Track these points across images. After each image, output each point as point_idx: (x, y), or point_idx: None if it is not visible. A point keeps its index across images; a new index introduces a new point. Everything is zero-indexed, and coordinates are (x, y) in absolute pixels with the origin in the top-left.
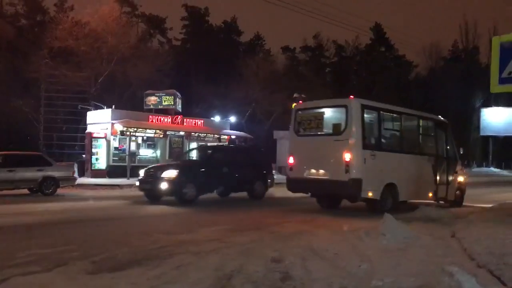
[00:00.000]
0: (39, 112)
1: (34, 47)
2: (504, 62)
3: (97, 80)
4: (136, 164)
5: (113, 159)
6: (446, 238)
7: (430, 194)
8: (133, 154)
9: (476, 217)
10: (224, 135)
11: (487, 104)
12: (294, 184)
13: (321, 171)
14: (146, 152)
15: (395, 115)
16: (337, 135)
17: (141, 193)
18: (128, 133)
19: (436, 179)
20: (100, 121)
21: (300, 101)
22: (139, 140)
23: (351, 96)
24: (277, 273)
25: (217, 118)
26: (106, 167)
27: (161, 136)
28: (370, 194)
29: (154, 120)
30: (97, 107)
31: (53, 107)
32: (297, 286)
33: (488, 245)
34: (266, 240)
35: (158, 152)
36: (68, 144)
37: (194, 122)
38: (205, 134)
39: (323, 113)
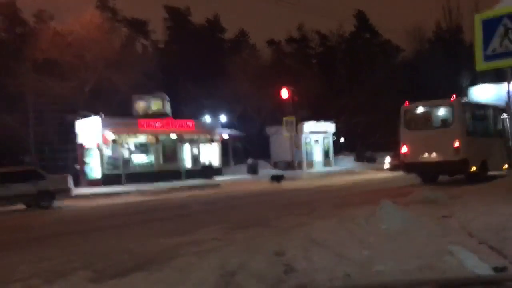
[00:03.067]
0: (28, 126)
1: (17, 61)
2: (487, 39)
3: (84, 89)
4: (130, 171)
5: (107, 168)
6: (445, 218)
7: (505, 166)
8: (126, 161)
9: (472, 195)
10: (217, 134)
11: (475, 82)
12: (409, 166)
13: (434, 155)
14: (139, 158)
15: (480, 108)
16: (446, 127)
17: (140, 198)
18: (119, 140)
19: (506, 154)
20: (90, 131)
21: (406, 102)
22: (132, 146)
23: (454, 97)
24: (280, 266)
25: (208, 119)
26: (101, 176)
27: (153, 141)
28: (473, 168)
29: (144, 125)
30: (86, 117)
31: (42, 120)
32: (300, 277)
33: (486, 221)
34: (266, 235)
35: (152, 157)
36: (60, 156)
37: (185, 125)
38: (197, 136)
39: (431, 111)
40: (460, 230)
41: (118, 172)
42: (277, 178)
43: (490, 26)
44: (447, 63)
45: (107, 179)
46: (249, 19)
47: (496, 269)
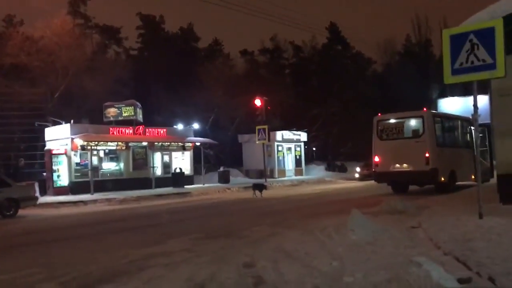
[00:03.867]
0: None
1: None
2: (455, 53)
3: (53, 95)
4: (99, 178)
5: (75, 175)
6: (413, 229)
7: (472, 177)
8: (95, 169)
9: (440, 206)
10: (188, 142)
11: (444, 95)
12: (380, 176)
13: (405, 165)
14: (109, 166)
15: (450, 119)
16: (417, 138)
17: (108, 207)
18: (89, 147)
19: (473, 165)
20: (60, 137)
21: (379, 113)
22: (101, 153)
23: (425, 109)
24: (250, 278)
25: (180, 126)
26: (69, 184)
27: (124, 148)
28: (442, 178)
29: (115, 132)
30: (55, 123)
31: (9, 126)
32: None
33: (452, 232)
34: (237, 246)
35: (122, 165)
36: (27, 163)
37: (156, 132)
38: (168, 143)
39: (402, 122)
40: (427, 241)
41: (87, 180)
42: (259, 187)
43: (457, 41)
44: (417, 75)
45: (75, 187)
46: (223, 29)
47: (460, 281)
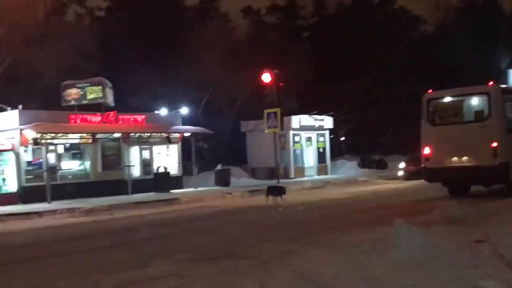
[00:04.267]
0: None
1: None
2: None
3: None
4: (58, 181)
5: (26, 178)
6: (477, 243)
7: None
8: (53, 169)
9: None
10: (175, 132)
11: None
12: (432, 174)
13: (465, 158)
14: (70, 165)
15: None
16: (480, 122)
17: (71, 220)
18: (43, 141)
19: None
20: (5, 128)
21: (430, 90)
22: (60, 149)
23: (491, 83)
24: None
25: (163, 111)
26: (18, 190)
27: (89, 141)
28: None
29: (78, 121)
30: None
31: None
32: None
33: None
34: (242, 269)
35: (87, 164)
36: None
37: (133, 119)
38: (148, 134)
39: (461, 101)
40: (497, 259)
41: (42, 184)
42: (276, 191)
43: None
44: (480, 38)
45: (26, 194)
46: None
47: None
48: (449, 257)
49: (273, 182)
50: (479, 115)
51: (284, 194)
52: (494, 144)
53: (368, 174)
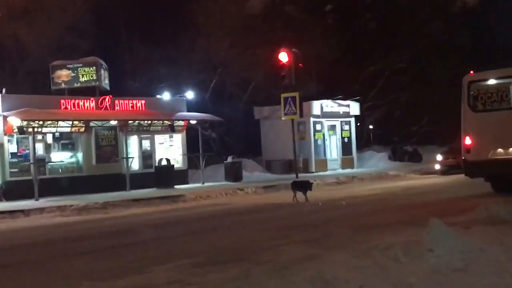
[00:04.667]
0: None
1: None
2: None
3: None
4: (47, 176)
5: (10, 172)
6: None
7: None
8: (41, 161)
9: None
10: (179, 120)
11: None
12: (474, 167)
13: (511, 150)
14: (61, 157)
15: None
16: None
17: (62, 219)
18: (30, 129)
19: None
20: None
21: (472, 71)
22: (49, 138)
23: None
24: None
25: (166, 96)
26: (1, 185)
27: (82, 129)
28: None
29: (69, 106)
30: None
31: None
32: None
33: None
34: (255, 275)
35: (80, 155)
36: None
37: (131, 104)
38: (149, 122)
39: (508, 83)
40: None
41: (28, 178)
42: (302, 187)
43: None
44: None
45: (10, 189)
46: None
47: None
48: (493, 263)
49: (291, 177)
50: None
51: (311, 190)
52: None
53: (399, 168)
